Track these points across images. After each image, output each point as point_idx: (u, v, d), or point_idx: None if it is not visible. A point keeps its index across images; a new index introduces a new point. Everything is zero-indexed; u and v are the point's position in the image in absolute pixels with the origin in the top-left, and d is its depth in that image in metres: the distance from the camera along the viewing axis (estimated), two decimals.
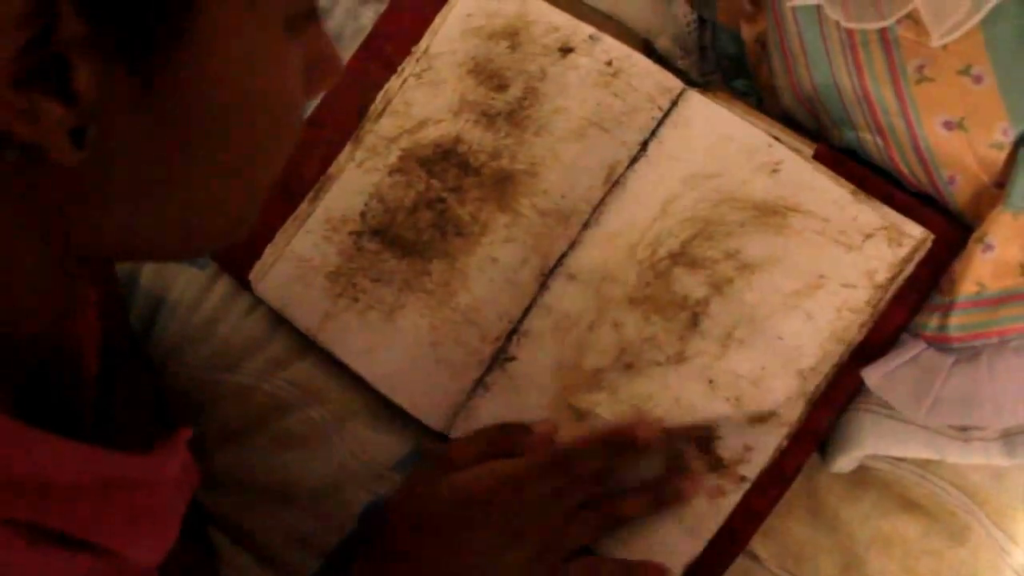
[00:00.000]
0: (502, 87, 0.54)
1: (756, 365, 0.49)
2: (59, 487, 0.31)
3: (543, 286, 0.52)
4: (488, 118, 0.54)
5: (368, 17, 0.57)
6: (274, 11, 0.31)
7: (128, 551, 0.33)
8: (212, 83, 0.30)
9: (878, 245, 0.49)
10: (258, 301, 0.56)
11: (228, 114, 0.31)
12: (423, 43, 0.55)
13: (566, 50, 0.54)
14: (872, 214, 0.49)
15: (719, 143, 0.51)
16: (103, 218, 0.32)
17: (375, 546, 0.48)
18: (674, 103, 0.52)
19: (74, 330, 0.41)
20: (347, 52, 0.57)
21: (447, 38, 0.55)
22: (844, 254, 0.49)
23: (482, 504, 0.47)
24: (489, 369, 0.52)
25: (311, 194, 0.55)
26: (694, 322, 0.50)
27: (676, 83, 0.52)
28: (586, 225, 0.52)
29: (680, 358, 0.50)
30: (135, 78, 0.28)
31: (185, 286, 0.57)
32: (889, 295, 0.49)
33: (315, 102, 0.56)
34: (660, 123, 0.52)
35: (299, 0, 0.32)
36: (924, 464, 0.49)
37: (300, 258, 0.55)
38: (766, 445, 0.49)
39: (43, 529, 0.30)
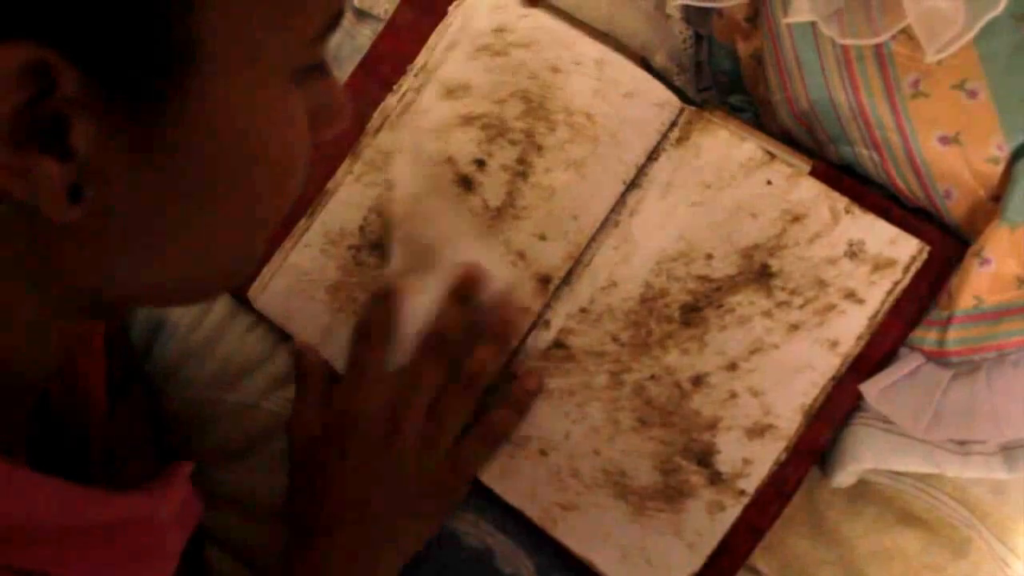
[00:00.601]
0: (503, 103, 0.54)
1: (753, 378, 0.49)
2: (54, 531, 0.30)
3: (545, 305, 0.53)
4: (489, 134, 0.54)
5: (365, 36, 0.57)
6: (279, 64, 0.30)
7: None
8: (214, 137, 0.29)
9: (874, 259, 0.49)
10: (258, 320, 0.56)
11: (231, 167, 0.30)
12: (420, 59, 0.55)
13: (570, 67, 0.54)
14: (869, 228, 0.49)
15: (719, 161, 0.51)
16: (103, 268, 0.31)
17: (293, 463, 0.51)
18: (674, 122, 0.52)
19: (80, 368, 0.41)
20: (345, 71, 0.57)
21: (445, 54, 0.55)
22: (840, 268, 0.49)
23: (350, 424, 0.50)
24: None
25: (309, 208, 0.56)
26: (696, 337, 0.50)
27: (676, 102, 0.52)
28: (584, 254, 0.52)
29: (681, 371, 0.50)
30: (135, 134, 0.27)
31: (185, 307, 0.57)
32: (886, 308, 0.49)
33: None
34: (660, 142, 0.52)
35: (306, 54, 0.31)
36: (924, 478, 0.49)
37: (299, 272, 0.55)
38: (765, 458, 0.49)
39: (38, 574, 0.30)
